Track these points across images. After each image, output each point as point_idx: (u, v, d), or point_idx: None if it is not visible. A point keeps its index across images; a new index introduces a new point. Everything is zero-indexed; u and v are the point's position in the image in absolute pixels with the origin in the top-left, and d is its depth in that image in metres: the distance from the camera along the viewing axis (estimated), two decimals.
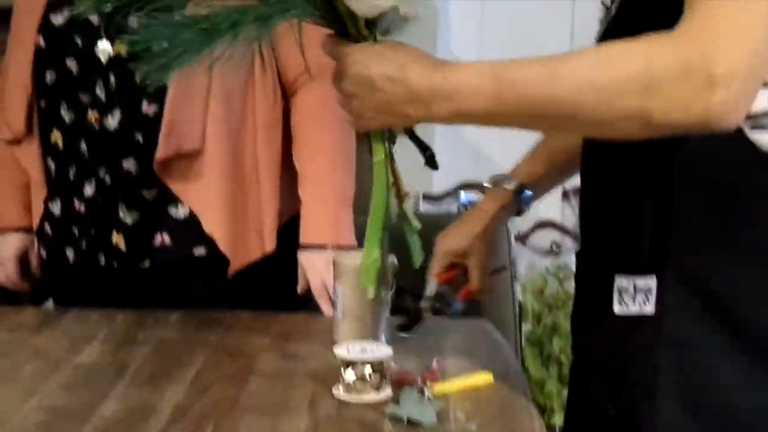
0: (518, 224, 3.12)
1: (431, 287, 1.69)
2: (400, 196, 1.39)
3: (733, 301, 1.19)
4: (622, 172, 1.28)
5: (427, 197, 3.27)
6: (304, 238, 2.04)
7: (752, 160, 1.16)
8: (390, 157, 1.36)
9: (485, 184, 1.71)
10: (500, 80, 1.15)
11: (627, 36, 1.10)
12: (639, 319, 1.24)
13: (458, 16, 3.27)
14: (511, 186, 1.67)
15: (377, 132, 1.34)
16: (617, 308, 1.26)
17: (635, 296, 1.24)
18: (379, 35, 1.28)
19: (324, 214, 2.04)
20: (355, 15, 1.25)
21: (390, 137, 1.35)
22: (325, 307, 2.00)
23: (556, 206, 3.13)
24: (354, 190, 2.07)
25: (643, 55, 1.06)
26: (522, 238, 3.20)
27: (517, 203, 1.68)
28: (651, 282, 1.23)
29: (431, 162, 1.38)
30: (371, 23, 1.27)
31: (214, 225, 1.98)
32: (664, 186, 1.22)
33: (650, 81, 1.04)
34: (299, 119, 2.05)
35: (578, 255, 1.45)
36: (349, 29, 1.28)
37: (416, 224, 1.39)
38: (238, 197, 2.00)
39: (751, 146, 1.16)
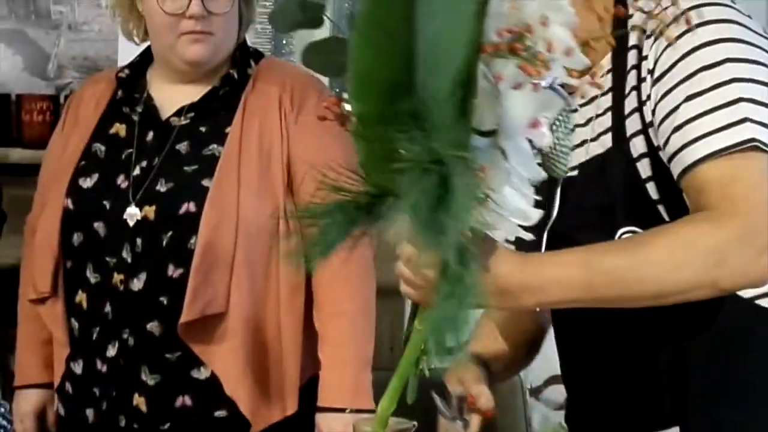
0: (531, 379, 3.12)
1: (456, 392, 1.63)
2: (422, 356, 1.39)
3: None
4: (629, 344, 1.40)
5: None
6: (322, 400, 2.05)
7: (750, 314, 1.37)
8: None
9: None
10: (590, 270, 1.23)
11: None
12: None
13: None
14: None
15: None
16: None
17: None
18: None
19: (343, 377, 2.04)
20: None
21: None
22: None
23: None
24: (373, 353, 2.09)
25: (713, 233, 1.23)
26: (535, 393, 3.19)
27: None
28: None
29: None
30: None
31: (236, 387, 1.99)
32: (679, 352, 1.38)
33: (720, 254, 1.23)
34: (321, 281, 2.07)
35: (570, 419, 1.52)
36: None
37: (427, 372, 1.39)
38: (260, 360, 2.02)
39: (750, 303, 1.37)
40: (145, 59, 2.16)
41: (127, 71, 2.15)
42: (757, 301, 1.38)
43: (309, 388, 2.07)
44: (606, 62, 1.40)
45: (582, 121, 1.43)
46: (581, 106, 1.43)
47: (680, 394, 1.38)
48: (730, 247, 1.22)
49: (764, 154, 1.26)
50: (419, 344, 1.30)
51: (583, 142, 1.42)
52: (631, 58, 1.37)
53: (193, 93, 2.09)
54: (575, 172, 1.42)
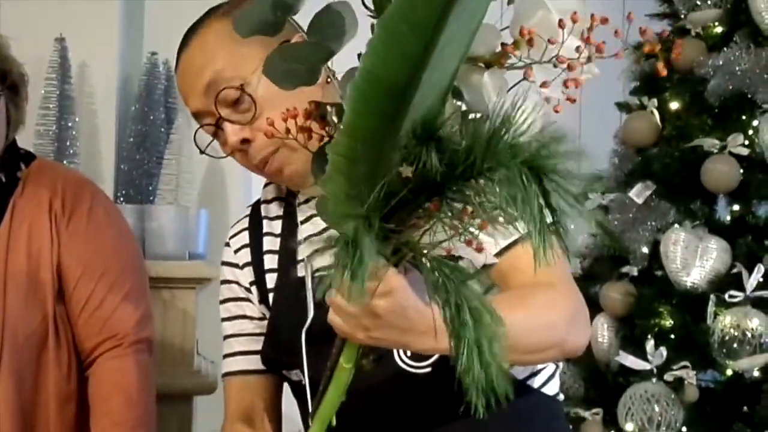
0: None
1: None
2: None
3: None
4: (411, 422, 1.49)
5: None
6: None
7: (522, 394, 1.49)
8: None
9: None
10: None
11: None
12: None
13: None
14: None
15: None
16: None
17: None
18: None
19: None
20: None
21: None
22: None
23: None
24: None
25: (564, 303, 1.38)
26: None
27: None
28: None
29: None
30: None
31: None
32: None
33: (569, 322, 1.38)
34: (98, 391, 2.00)
35: None
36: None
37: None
38: None
39: (523, 383, 1.52)
40: None
41: None
42: (528, 382, 1.53)
43: None
44: None
45: None
46: None
47: None
48: (574, 316, 1.38)
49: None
50: (344, 384, 1.23)
51: None
52: None
53: None
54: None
